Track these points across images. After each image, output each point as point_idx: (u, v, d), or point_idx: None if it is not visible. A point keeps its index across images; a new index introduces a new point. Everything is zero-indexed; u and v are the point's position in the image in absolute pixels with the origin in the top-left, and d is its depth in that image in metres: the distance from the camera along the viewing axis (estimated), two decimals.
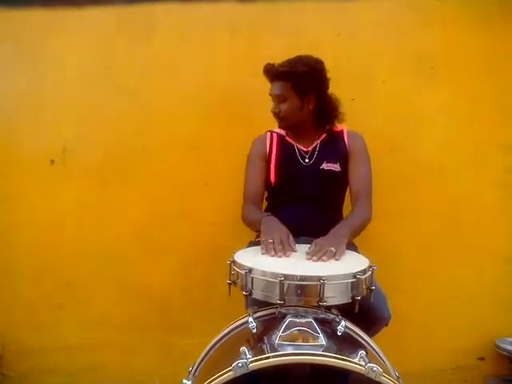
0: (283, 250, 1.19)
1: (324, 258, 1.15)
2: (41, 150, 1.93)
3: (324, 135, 1.64)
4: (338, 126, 1.66)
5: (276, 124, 1.66)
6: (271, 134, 1.68)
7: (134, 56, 1.93)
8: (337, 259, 1.16)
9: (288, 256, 1.17)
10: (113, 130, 1.95)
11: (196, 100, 1.94)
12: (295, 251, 1.22)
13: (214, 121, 1.94)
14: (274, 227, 1.31)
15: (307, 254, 1.19)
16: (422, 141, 1.97)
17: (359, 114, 1.85)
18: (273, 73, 1.56)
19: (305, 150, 1.62)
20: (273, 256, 1.17)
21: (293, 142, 1.64)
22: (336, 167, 1.58)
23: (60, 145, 1.93)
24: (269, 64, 1.57)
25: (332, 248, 1.18)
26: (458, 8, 1.96)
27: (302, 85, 1.53)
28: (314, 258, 1.15)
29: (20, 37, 1.92)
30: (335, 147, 1.62)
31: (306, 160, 1.60)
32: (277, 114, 1.58)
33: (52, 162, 1.93)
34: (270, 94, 1.59)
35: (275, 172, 1.60)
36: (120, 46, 1.94)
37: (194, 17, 1.94)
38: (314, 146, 1.62)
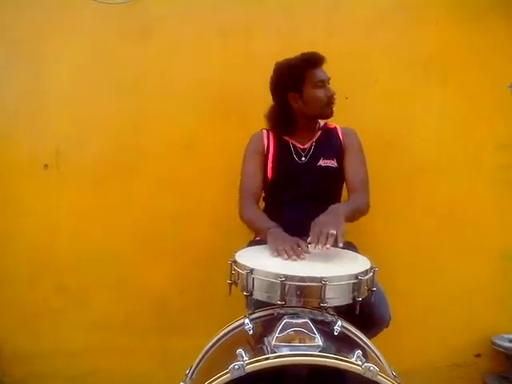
0: (295, 253, 1.17)
1: (328, 246, 1.14)
2: (34, 154, 1.91)
3: (319, 133, 1.66)
4: (331, 124, 1.69)
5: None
6: (268, 132, 1.68)
7: (129, 57, 1.93)
8: (340, 246, 1.16)
9: (302, 259, 1.16)
10: (107, 131, 1.93)
11: (191, 101, 1.94)
12: (308, 253, 1.19)
13: (209, 121, 1.94)
14: (284, 238, 1.29)
15: (310, 241, 1.18)
16: (416, 139, 1.98)
17: (353, 113, 1.86)
18: (320, 57, 1.56)
19: (301, 147, 1.63)
20: (286, 259, 1.16)
21: (289, 140, 1.65)
22: (333, 163, 1.59)
23: (53, 148, 1.91)
24: (304, 54, 1.56)
25: (332, 231, 1.17)
26: (451, 6, 1.97)
27: None
28: (319, 246, 1.15)
29: (14, 38, 1.90)
30: (331, 144, 1.63)
31: (303, 158, 1.61)
32: (333, 96, 1.58)
33: (45, 166, 1.92)
34: (323, 79, 1.56)
35: (272, 170, 1.61)
36: (114, 48, 1.93)
37: (187, 17, 1.93)
38: (310, 143, 1.63)
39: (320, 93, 1.56)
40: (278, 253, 1.20)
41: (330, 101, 1.58)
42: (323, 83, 1.57)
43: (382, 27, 1.96)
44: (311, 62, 1.56)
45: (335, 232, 1.17)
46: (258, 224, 1.47)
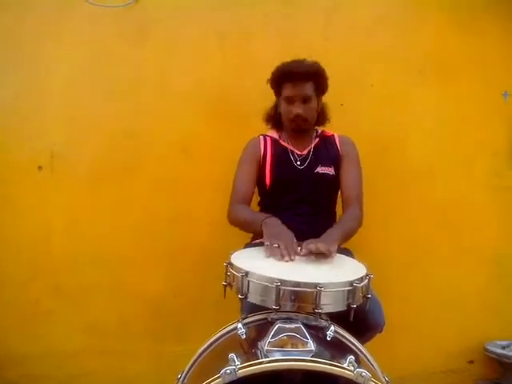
0: (289, 254, 1.17)
1: (322, 248, 1.16)
2: (28, 156, 1.90)
3: (317, 140, 1.66)
4: (328, 131, 1.68)
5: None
6: (264, 138, 1.68)
7: (125, 59, 1.93)
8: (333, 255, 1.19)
9: (293, 260, 1.16)
10: (103, 133, 1.93)
11: (189, 102, 1.94)
12: (299, 254, 1.19)
13: (207, 122, 1.94)
14: (279, 230, 1.30)
15: (305, 246, 1.19)
16: (411, 144, 2.00)
17: (348, 118, 1.87)
18: (297, 73, 1.52)
19: (299, 153, 1.63)
20: (279, 260, 1.15)
21: (287, 146, 1.65)
22: (331, 171, 1.60)
23: (48, 149, 1.90)
24: (289, 64, 1.54)
25: (325, 245, 1.19)
26: (446, 10, 1.99)
27: (321, 85, 1.57)
28: (311, 245, 1.16)
29: (12, 40, 1.90)
30: (328, 151, 1.63)
31: (299, 163, 1.61)
32: (299, 116, 1.55)
33: (39, 168, 1.91)
34: (291, 96, 1.54)
35: (270, 175, 1.60)
36: (112, 49, 1.93)
37: (186, 19, 1.94)
38: (308, 149, 1.63)
39: (286, 108, 1.57)
40: (270, 250, 1.20)
41: (292, 119, 1.57)
42: (292, 100, 1.55)
43: (377, 32, 1.98)
44: (288, 75, 1.53)
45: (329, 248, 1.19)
46: (251, 217, 1.47)
